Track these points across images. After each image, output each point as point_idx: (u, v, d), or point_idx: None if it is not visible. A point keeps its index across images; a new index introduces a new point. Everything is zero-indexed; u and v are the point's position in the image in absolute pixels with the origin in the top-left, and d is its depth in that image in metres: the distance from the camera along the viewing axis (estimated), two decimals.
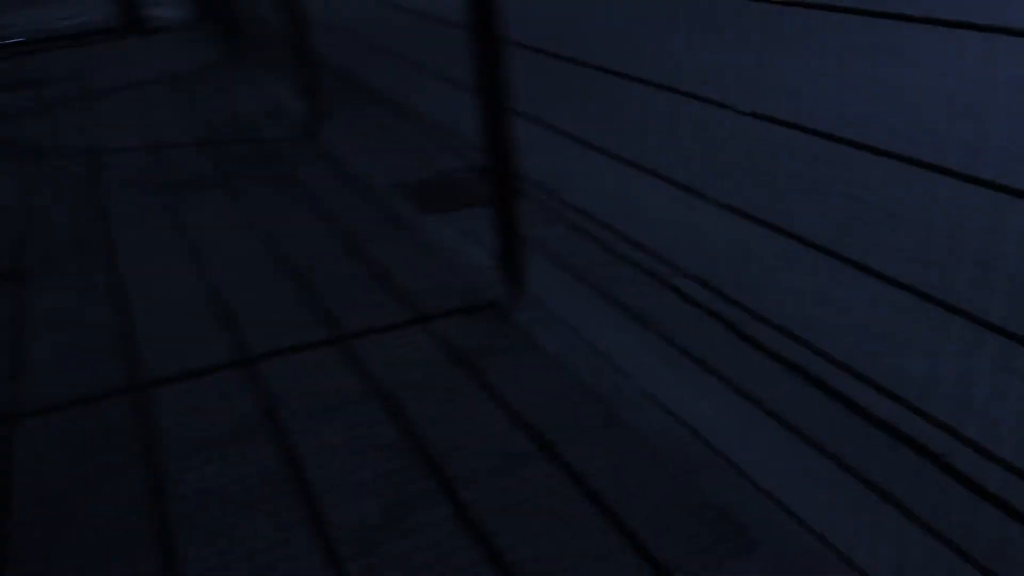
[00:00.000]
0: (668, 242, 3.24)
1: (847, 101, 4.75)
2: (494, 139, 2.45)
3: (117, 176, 4.04)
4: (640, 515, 1.66)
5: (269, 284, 2.80)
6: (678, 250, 3.17)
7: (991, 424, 2.10)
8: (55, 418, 2.18)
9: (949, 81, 4.94)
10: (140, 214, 3.53)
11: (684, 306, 2.75)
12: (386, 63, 6.85)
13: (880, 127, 4.30)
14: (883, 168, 3.77)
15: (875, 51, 5.77)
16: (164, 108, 5.24)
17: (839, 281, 2.84)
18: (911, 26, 6.45)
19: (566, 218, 3.52)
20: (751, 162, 3.97)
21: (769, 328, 2.58)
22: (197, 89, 5.67)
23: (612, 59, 6.25)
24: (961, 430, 2.08)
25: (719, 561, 1.54)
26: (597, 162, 4.17)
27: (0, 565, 1.69)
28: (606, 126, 4.72)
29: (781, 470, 1.98)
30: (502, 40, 2.34)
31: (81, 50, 7.55)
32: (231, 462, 1.94)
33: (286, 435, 2.02)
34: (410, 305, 2.58)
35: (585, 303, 2.82)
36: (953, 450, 2.01)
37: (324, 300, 2.66)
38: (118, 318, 2.67)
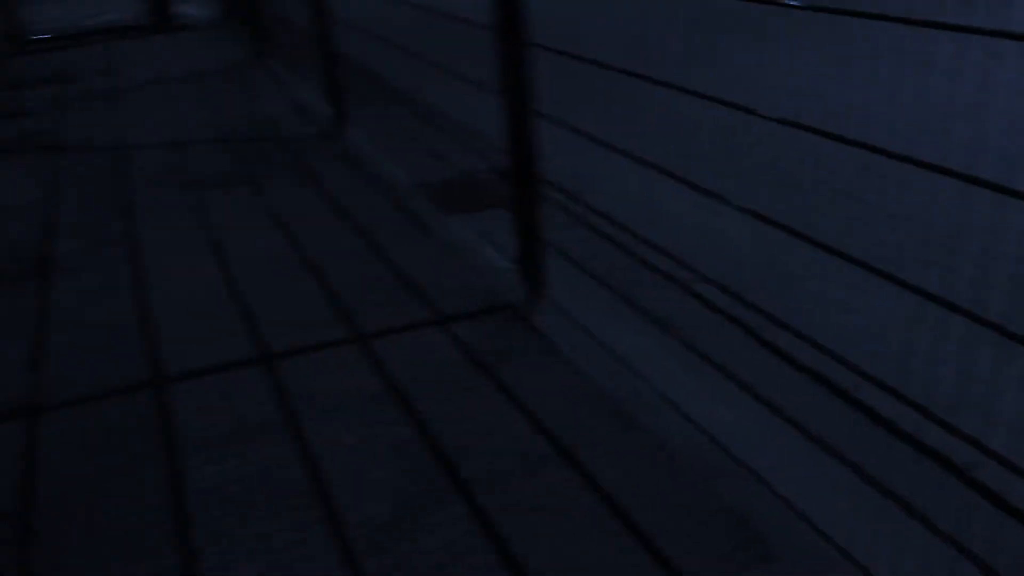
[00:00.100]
0: (690, 247, 3.22)
1: (880, 109, 4.71)
2: (517, 141, 2.44)
3: (142, 172, 4.07)
4: (658, 522, 1.65)
5: (290, 282, 2.81)
6: (700, 255, 3.15)
7: (1019, 438, 2.06)
8: (77, 411, 2.19)
9: (996, 92, 4.88)
10: (164, 210, 3.55)
11: (705, 311, 2.73)
12: (409, 63, 6.87)
13: (917, 137, 4.26)
14: (915, 178, 3.73)
15: (918, 61, 5.72)
16: (190, 105, 5.29)
17: (865, 290, 2.81)
18: (950, 36, 6.39)
19: (587, 221, 3.51)
20: (777, 168, 3.94)
21: (791, 335, 2.55)
22: (222, 87, 5.71)
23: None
24: (986, 443, 2.05)
25: (738, 570, 1.52)
26: (620, 165, 4.16)
27: (25, 555, 1.71)
28: (630, 129, 4.70)
29: (801, 479, 1.96)
30: (527, 43, 2.34)
31: (109, 47, 7.63)
32: (249, 458, 1.94)
33: (304, 432, 2.02)
34: (429, 305, 2.58)
35: (605, 307, 2.81)
36: (978, 463, 1.98)
37: (344, 299, 2.67)
38: (141, 313, 2.69)
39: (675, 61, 6.17)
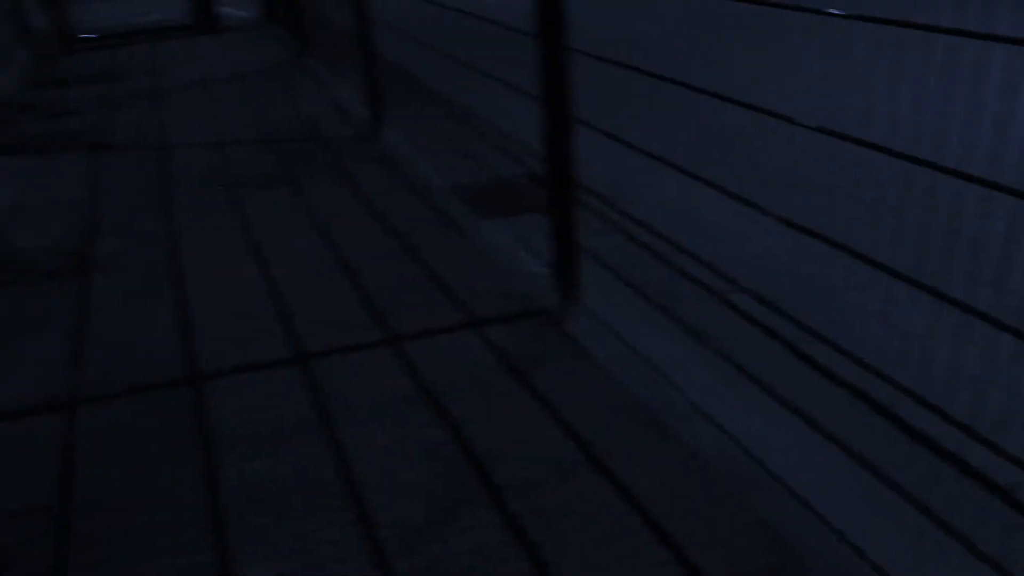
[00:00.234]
0: (728, 256, 3.19)
1: (930, 120, 4.63)
2: (555, 146, 2.44)
3: (185, 172, 4.13)
4: (691, 534, 1.63)
5: (327, 283, 2.83)
6: (738, 264, 3.12)
7: None
8: (115, 406, 2.23)
9: None
10: (206, 210, 3.60)
11: (741, 322, 2.70)
12: (447, 66, 6.89)
13: (970, 152, 4.18)
14: (964, 191, 3.66)
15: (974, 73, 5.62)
16: (232, 105, 5.36)
17: (909, 305, 2.76)
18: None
19: (623, 228, 3.49)
20: (818, 177, 3.89)
21: (831, 349, 2.52)
22: (264, 87, 5.78)
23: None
24: None
25: None
26: (658, 172, 4.13)
27: (63, 549, 1.74)
28: (670, 136, 4.67)
29: (839, 496, 1.93)
30: (568, 48, 2.34)
31: (155, 46, 7.76)
32: (283, 458, 1.96)
33: (337, 433, 2.03)
34: (463, 308, 2.58)
35: (639, 314, 2.79)
36: (1023, 485, 1.93)
37: (379, 300, 2.68)
38: (179, 311, 2.73)
39: (719, 69, 6.12)
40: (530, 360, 2.28)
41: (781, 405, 2.26)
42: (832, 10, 1.71)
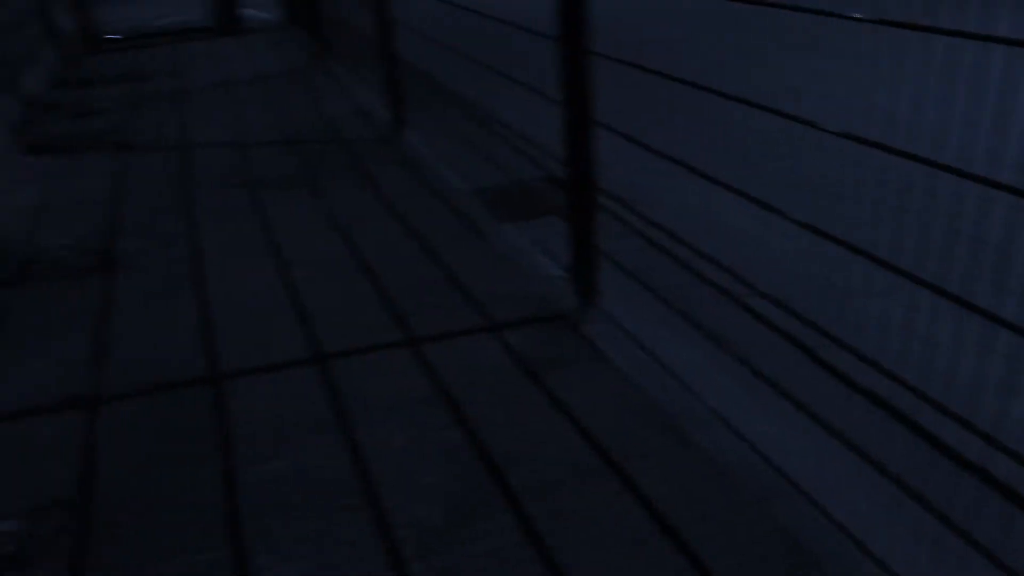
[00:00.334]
0: (748, 261, 3.18)
1: (956, 127, 4.59)
2: (576, 149, 2.44)
3: (207, 173, 4.17)
4: (708, 541, 1.63)
5: (346, 284, 2.85)
6: (757, 269, 3.10)
7: None
8: (136, 404, 2.25)
9: None
10: (227, 211, 3.63)
11: (760, 327, 2.69)
12: (468, 69, 6.91)
13: (997, 158, 4.14)
14: (990, 199, 3.62)
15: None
16: (254, 107, 5.40)
17: (931, 311, 2.73)
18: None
19: (642, 232, 3.48)
20: (840, 184, 3.87)
21: (852, 356, 2.50)
22: (286, 89, 5.82)
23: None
24: None
25: None
26: (678, 175, 4.12)
27: (84, 544, 1.76)
28: (691, 140, 4.66)
29: (858, 503, 1.92)
30: (589, 52, 2.34)
31: (178, 48, 7.83)
32: (301, 457, 1.97)
33: (355, 433, 2.04)
34: (482, 311, 2.59)
35: (657, 319, 2.78)
36: None
37: (398, 302, 2.69)
38: (200, 309, 2.75)
39: (742, 74, 6.10)
40: (548, 363, 2.28)
41: (799, 411, 2.25)
42: (855, 13, 1.69)
